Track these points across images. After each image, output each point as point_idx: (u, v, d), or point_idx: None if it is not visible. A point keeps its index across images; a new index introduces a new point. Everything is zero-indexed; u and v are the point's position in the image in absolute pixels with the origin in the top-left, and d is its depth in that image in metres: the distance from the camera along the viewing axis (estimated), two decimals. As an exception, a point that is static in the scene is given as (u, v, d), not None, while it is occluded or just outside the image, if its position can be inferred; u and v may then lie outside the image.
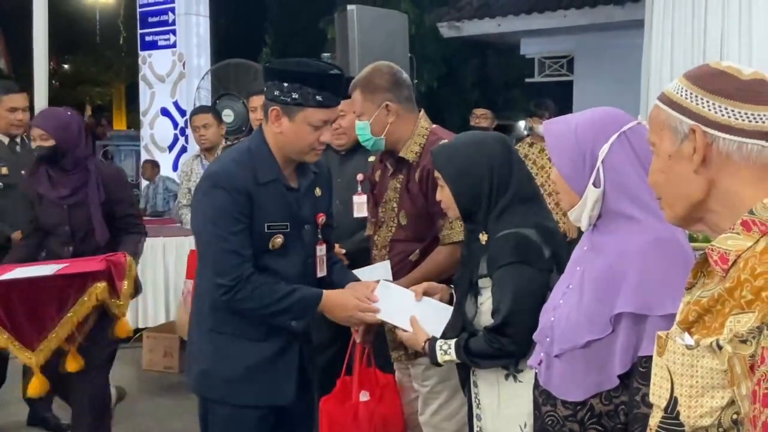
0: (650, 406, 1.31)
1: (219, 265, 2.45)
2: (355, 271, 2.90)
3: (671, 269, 1.69)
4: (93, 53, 20.86)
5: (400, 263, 2.95)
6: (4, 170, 4.42)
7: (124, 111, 23.13)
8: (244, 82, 7.97)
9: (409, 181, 2.94)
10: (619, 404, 1.78)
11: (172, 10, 9.63)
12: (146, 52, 9.89)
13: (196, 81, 9.05)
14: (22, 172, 4.09)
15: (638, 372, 1.71)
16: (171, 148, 9.81)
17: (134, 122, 18.53)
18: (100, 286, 3.33)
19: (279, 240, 2.52)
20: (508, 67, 14.36)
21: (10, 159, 4.47)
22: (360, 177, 3.46)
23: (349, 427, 2.95)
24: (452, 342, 2.37)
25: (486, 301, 2.35)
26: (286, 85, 2.44)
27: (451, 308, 2.53)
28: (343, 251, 3.21)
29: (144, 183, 10.06)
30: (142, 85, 10.04)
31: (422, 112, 3.02)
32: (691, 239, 4.22)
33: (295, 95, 2.44)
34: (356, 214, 3.44)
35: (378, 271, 2.91)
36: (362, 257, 3.17)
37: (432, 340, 2.42)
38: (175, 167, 9.16)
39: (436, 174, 2.48)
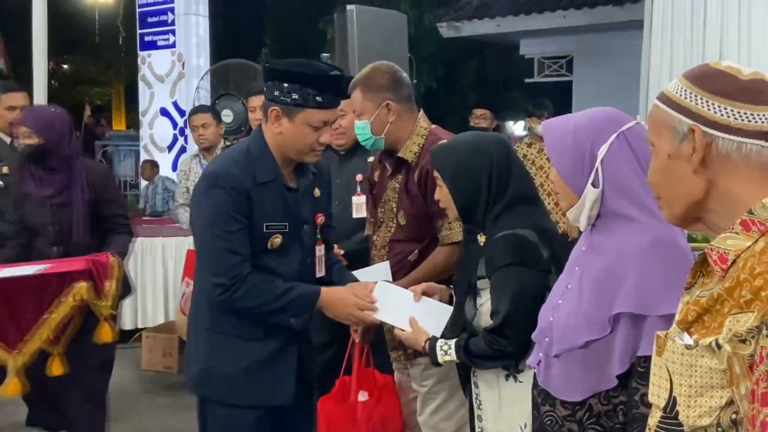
0: (649, 406, 1.31)
1: (217, 264, 2.45)
2: (355, 272, 2.90)
3: (670, 269, 1.69)
4: (92, 53, 20.84)
5: (399, 263, 2.95)
6: (5, 169, 4.40)
7: (123, 111, 23.11)
8: (244, 82, 7.97)
9: (408, 182, 2.94)
10: (617, 404, 1.78)
11: (172, 10, 9.63)
12: (145, 52, 9.89)
13: (195, 81, 9.04)
14: None
15: (637, 372, 1.71)
16: (170, 148, 9.81)
17: (133, 122, 18.52)
18: (82, 286, 3.25)
19: (278, 240, 2.52)
20: (508, 67, 14.35)
21: (11, 158, 4.46)
22: (359, 177, 3.45)
23: (347, 427, 2.95)
24: (452, 342, 2.37)
25: (485, 302, 2.35)
26: (286, 85, 2.44)
27: (451, 308, 2.53)
28: (342, 252, 3.21)
29: (143, 183, 10.06)
30: (141, 85, 10.03)
31: (421, 112, 3.02)
32: (691, 239, 4.23)
33: (295, 96, 2.44)
34: (355, 215, 3.44)
35: (377, 272, 2.91)
36: (361, 258, 3.17)
37: (432, 340, 2.42)
38: (174, 167, 9.15)
39: (435, 173, 2.48)
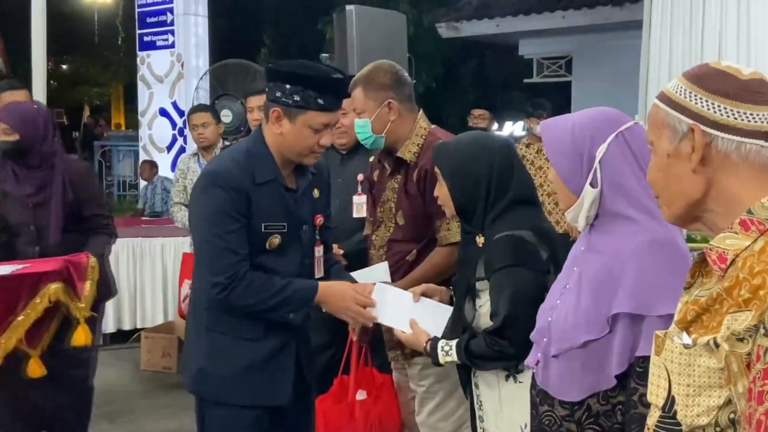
0: (647, 406, 1.30)
1: (215, 263, 2.45)
2: (353, 273, 2.89)
3: (668, 270, 1.69)
4: (91, 53, 20.86)
5: (397, 263, 2.95)
6: None
7: (122, 111, 23.13)
8: (243, 82, 7.98)
9: (407, 182, 2.93)
10: (616, 404, 1.78)
11: (171, 10, 9.63)
12: (145, 53, 9.89)
13: (194, 81, 9.05)
14: None
15: (635, 372, 1.71)
16: (169, 148, 9.81)
17: (132, 122, 18.52)
18: (54, 287, 3.14)
19: (276, 240, 2.52)
20: (507, 67, 14.35)
21: None
22: (360, 177, 3.45)
23: (345, 426, 2.95)
24: (454, 343, 2.36)
25: (484, 303, 2.35)
26: (288, 86, 2.44)
27: (450, 308, 2.53)
28: (342, 252, 3.20)
29: (142, 183, 10.06)
30: (140, 85, 10.04)
31: (421, 112, 3.02)
32: (690, 239, 4.23)
33: (297, 97, 2.44)
34: (356, 215, 3.43)
35: (376, 273, 2.91)
36: (361, 258, 3.17)
37: (434, 341, 2.42)
38: (173, 167, 9.15)
39: (436, 170, 2.48)
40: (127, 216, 10.17)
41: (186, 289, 5.06)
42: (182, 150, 9.41)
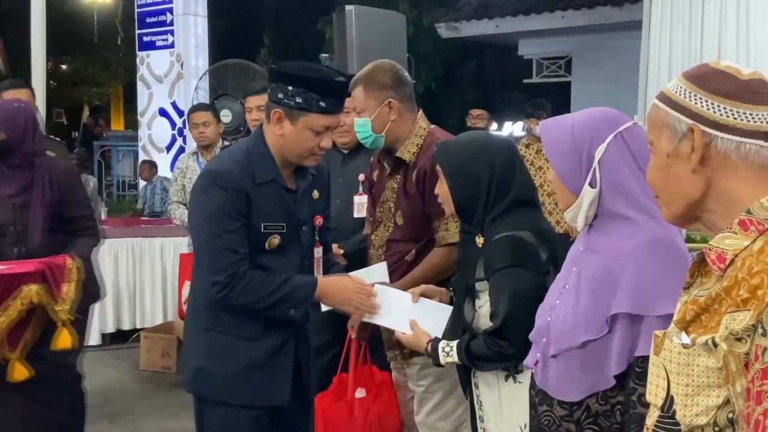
0: (646, 406, 1.31)
1: (215, 262, 2.45)
2: (352, 274, 2.89)
3: (667, 270, 1.69)
4: (91, 53, 20.84)
5: (396, 263, 2.94)
6: None
7: (121, 111, 23.11)
8: (242, 82, 7.98)
9: (406, 182, 2.93)
10: (615, 404, 1.78)
11: (170, 10, 9.63)
12: (144, 53, 9.89)
13: (194, 81, 9.05)
14: None
15: (635, 372, 1.71)
16: (169, 148, 9.81)
17: (132, 123, 18.51)
18: (32, 288, 3.09)
19: (276, 240, 2.52)
20: (506, 67, 14.36)
21: None
22: (362, 177, 3.45)
23: (344, 424, 2.96)
24: (454, 344, 2.36)
25: (484, 304, 2.35)
26: (290, 88, 2.44)
27: (450, 307, 2.53)
28: (342, 251, 3.20)
29: (142, 183, 10.06)
30: (140, 85, 10.04)
31: (420, 112, 3.02)
32: (689, 239, 4.23)
33: (299, 99, 2.44)
34: (356, 214, 3.43)
35: (374, 274, 2.90)
36: (361, 258, 3.16)
37: (435, 342, 2.42)
38: (172, 168, 9.15)
39: (438, 168, 2.48)
40: (126, 216, 10.17)
41: (187, 291, 5.06)
42: (181, 150, 9.41)
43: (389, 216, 2.99)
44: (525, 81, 11.54)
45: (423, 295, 2.60)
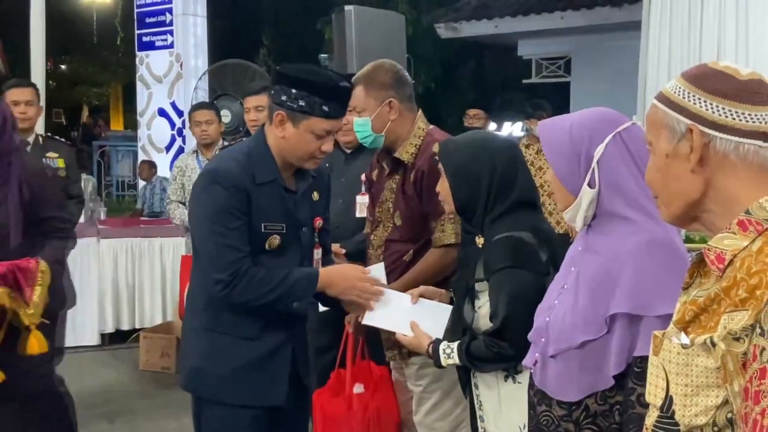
0: (645, 406, 1.31)
1: (217, 260, 2.45)
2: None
3: (666, 270, 1.69)
4: (90, 54, 20.85)
5: (394, 263, 2.94)
6: None
7: (121, 111, 23.10)
8: (242, 82, 7.97)
9: (405, 182, 2.93)
10: (614, 404, 1.78)
11: (170, 10, 9.63)
12: (143, 53, 9.89)
13: (193, 81, 9.04)
14: None
15: (633, 372, 1.71)
16: (168, 148, 9.81)
17: (131, 123, 18.51)
18: (2, 292, 2.91)
19: (276, 241, 2.52)
20: (506, 68, 14.37)
21: None
22: (364, 177, 3.45)
23: (342, 419, 2.96)
24: (455, 345, 2.36)
25: (483, 304, 2.35)
26: (294, 91, 2.44)
27: (449, 307, 2.52)
28: (344, 251, 3.20)
29: (141, 184, 10.06)
30: (139, 85, 10.04)
31: (420, 112, 3.02)
32: (688, 240, 4.24)
33: (301, 102, 2.44)
34: (358, 214, 3.42)
35: (372, 274, 2.91)
36: (362, 258, 3.16)
37: (436, 343, 2.42)
38: (172, 168, 9.16)
39: (439, 166, 2.48)
40: (125, 216, 10.17)
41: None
42: (181, 150, 9.41)
43: (388, 216, 2.99)
44: (524, 81, 11.55)
45: (422, 296, 2.60)
